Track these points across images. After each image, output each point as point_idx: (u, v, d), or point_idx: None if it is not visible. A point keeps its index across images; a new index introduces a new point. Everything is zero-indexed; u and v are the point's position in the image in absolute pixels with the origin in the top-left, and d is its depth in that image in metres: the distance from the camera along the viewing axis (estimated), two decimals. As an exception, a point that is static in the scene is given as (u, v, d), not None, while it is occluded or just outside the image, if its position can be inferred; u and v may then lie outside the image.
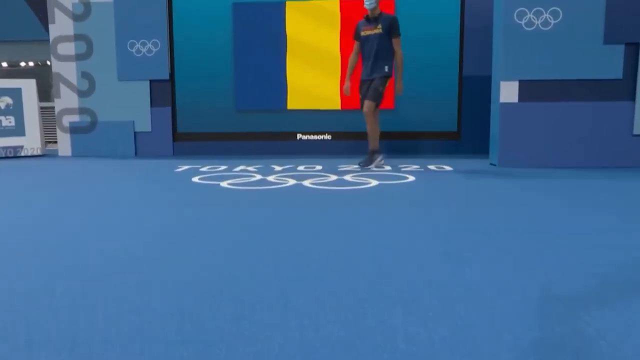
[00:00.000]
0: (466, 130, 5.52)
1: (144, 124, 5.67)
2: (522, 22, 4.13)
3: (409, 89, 5.58)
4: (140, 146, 5.71)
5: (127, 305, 1.12)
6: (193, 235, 1.88)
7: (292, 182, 3.44)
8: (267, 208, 2.43)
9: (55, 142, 6.31)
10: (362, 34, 4.16)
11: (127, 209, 2.48)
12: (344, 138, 5.61)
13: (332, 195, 2.83)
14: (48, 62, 6.21)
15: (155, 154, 5.70)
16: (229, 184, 3.39)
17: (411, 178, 3.61)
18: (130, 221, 2.17)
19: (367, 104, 4.12)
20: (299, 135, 5.63)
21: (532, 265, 1.41)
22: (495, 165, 4.36)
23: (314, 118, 5.55)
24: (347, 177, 3.66)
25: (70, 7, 5.60)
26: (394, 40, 4.09)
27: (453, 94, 5.49)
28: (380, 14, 4.11)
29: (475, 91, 5.43)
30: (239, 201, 2.65)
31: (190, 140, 5.74)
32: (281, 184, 3.37)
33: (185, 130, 5.75)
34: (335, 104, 5.53)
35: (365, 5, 4.07)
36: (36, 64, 9.51)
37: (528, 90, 4.19)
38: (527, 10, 4.12)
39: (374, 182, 3.39)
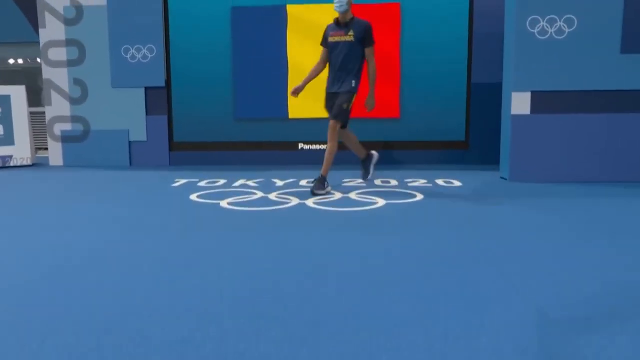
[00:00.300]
0: (475, 140, 5.46)
1: (139, 133, 5.61)
2: (535, 31, 4.07)
3: (415, 96, 5.60)
4: (135, 156, 5.65)
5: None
6: (192, 269, 1.82)
7: (294, 201, 3.40)
8: (270, 235, 2.37)
9: (46, 148, 6.26)
10: (330, 39, 3.76)
11: (120, 235, 2.42)
12: (347, 148, 5.53)
13: (338, 219, 2.78)
14: (38, 60, 6.11)
15: (151, 164, 5.65)
16: (229, 203, 3.34)
17: (419, 196, 3.56)
18: (124, 251, 2.11)
19: (331, 124, 3.74)
20: (300, 145, 5.57)
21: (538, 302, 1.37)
22: (505, 179, 4.31)
23: (316, 127, 5.48)
24: (353, 195, 3.61)
25: (61, 11, 5.53)
26: (367, 51, 3.70)
27: (461, 102, 5.43)
28: (353, 19, 3.71)
29: (484, 99, 5.38)
30: (240, 226, 2.59)
31: (187, 150, 5.69)
32: (283, 203, 3.33)
33: (182, 139, 5.69)
34: (338, 112, 5.47)
35: (335, 9, 3.67)
36: (25, 62, 9.45)
37: (541, 101, 4.14)
38: (540, 19, 4.06)
39: (380, 202, 3.34)
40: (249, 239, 2.33)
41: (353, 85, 3.73)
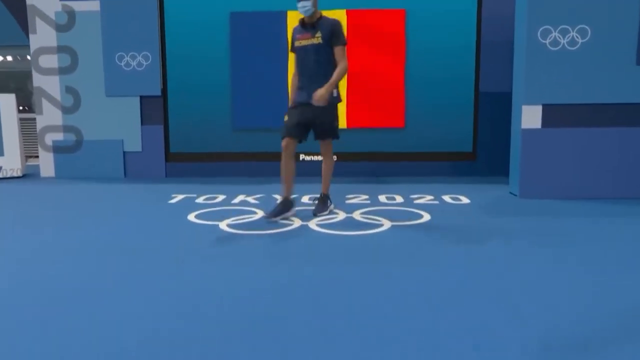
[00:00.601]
0: (482, 151, 5.44)
1: (133, 144, 5.58)
2: (547, 42, 4.04)
3: (421, 105, 5.57)
4: (130, 167, 5.63)
5: None
6: (189, 306, 1.79)
7: (296, 222, 3.38)
8: (271, 269, 2.33)
9: (37, 156, 6.23)
10: (297, 44, 3.45)
11: (113, 266, 2.38)
12: (350, 159, 5.54)
13: (342, 246, 2.75)
14: (28, 57, 6.04)
15: (146, 175, 5.63)
16: (228, 225, 3.32)
17: (426, 216, 3.54)
18: (117, 285, 2.07)
19: (326, 146, 3.62)
20: (302, 156, 5.55)
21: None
22: (515, 195, 4.29)
23: (318, 137, 5.46)
24: (357, 215, 3.59)
25: (52, 16, 5.50)
26: (337, 50, 3.37)
27: (468, 112, 5.42)
28: (320, 18, 3.41)
29: (492, 108, 5.36)
30: (239, 256, 2.56)
31: (183, 161, 5.66)
32: (285, 225, 3.30)
33: (179, 150, 5.67)
34: (340, 122, 5.42)
35: (299, 10, 3.38)
36: (15, 59, 9.40)
37: (552, 115, 4.12)
38: (551, 29, 4.03)
39: (386, 224, 3.32)
40: (249, 273, 2.30)
41: (335, 94, 3.46)
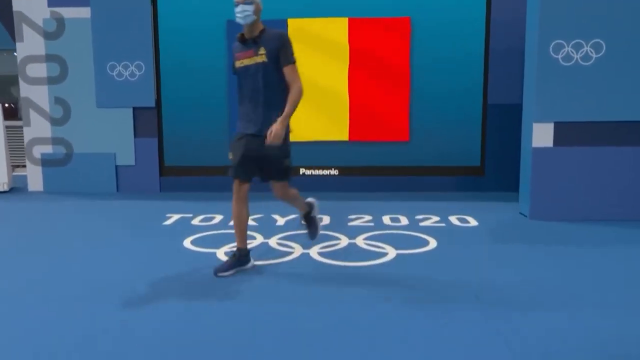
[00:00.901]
0: (491, 166, 5.43)
1: (126, 157, 5.57)
2: (559, 57, 4.03)
3: (426, 117, 5.54)
4: (123, 181, 5.61)
5: None
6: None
7: (297, 250, 3.38)
8: (272, 311, 2.31)
9: (24, 165, 6.20)
10: (238, 64, 2.94)
11: (101, 306, 2.36)
12: (352, 173, 5.53)
13: (345, 280, 2.76)
14: (15, 54, 5.96)
15: (140, 190, 5.61)
16: (226, 253, 3.31)
17: (432, 243, 3.54)
18: (109, 333, 2.04)
19: (281, 189, 3.08)
20: (302, 170, 5.53)
21: None
22: (525, 216, 4.28)
23: (318, 151, 5.47)
24: (360, 241, 3.58)
25: (40, 24, 5.47)
26: (287, 70, 2.86)
27: (476, 124, 5.40)
28: (263, 31, 2.88)
29: (501, 121, 5.35)
30: (238, 294, 2.55)
31: (179, 175, 5.65)
32: (285, 254, 3.30)
33: (174, 164, 5.65)
34: (342, 134, 5.45)
35: (238, 20, 2.86)
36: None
37: (565, 133, 4.11)
38: (564, 43, 4.02)
39: (390, 252, 3.32)
40: (249, 315, 2.29)
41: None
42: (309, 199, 3.42)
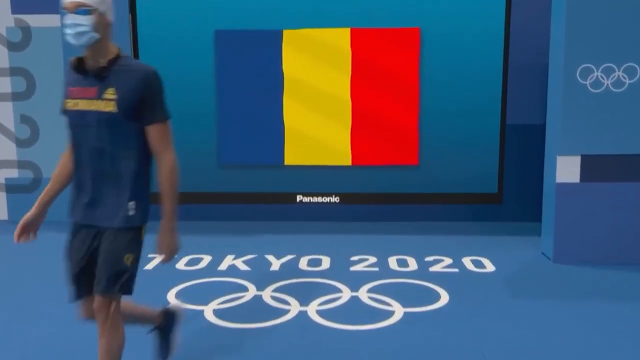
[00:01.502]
0: (509, 193, 5.42)
1: (101, 182, 5.52)
2: (587, 82, 4.01)
3: (438, 139, 5.50)
4: (98, 209, 5.57)
5: None
6: None
7: (294, 308, 3.37)
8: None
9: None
10: (69, 104, 2.09)
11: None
12: (355, 201, 5.51)
13: (347, 348, 2.74)
14: None
15: (117, 218, 5.58)
16: (214, 312, 3.32)
17: (443, 296, 3.55)
18: None
19: (103, 303, 2.08)
20: (299, 197, 5.51)
21: None
22: (549, 258, 4.27)
23: (317, 176, 5.44)
24: (363, 295, 3.58)
25: (3, 33, 5.42)
26: (153, 130, 2.06)
27: (493, 147, 5.38)
28: (117, 60, 2.08)
29: (521, 143, 5.33)
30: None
31: (160, 203, 5.60)
32: (280, 313, 3.30)
33: (156, 189, 5.56)
34: (344, 158, 5.43)
35: (70, 39, 2.01)
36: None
37: (593, 167, 4.10)
38: (593, 68, 3.99)
39: (397, 311, 3.32)
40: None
41: (131, 212, 2.11)
42: (173, 305, 2.74)
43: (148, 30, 5.45)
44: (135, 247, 2.16)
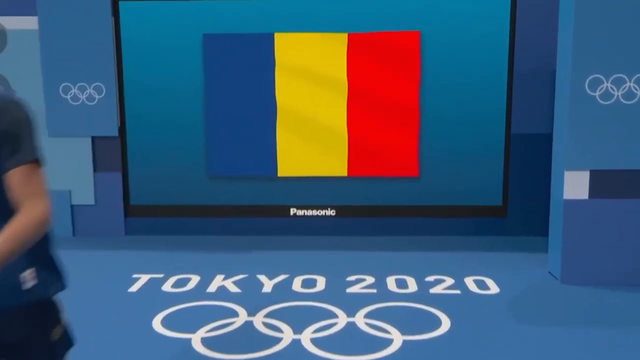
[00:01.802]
0: (514, 205, 5.42)
1: (84, 195, 5.51)
2: (597, 94, 3.99)
3: (439, 149, 5.53)
4: (80, 224, 5.57)
5: None
6: None
7: (287, 334, 3.35)
8: None
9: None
10: None
11: None
12: (351, 214, 5.52)
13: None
14: None
15: (101, 234, 5.57)
16: (202, 340, 3.29)
17: (444, 322, 3.52)
18: None
19: None
20: (292, 210, 5.52)
21: None
22: (556, 278, 4.26)
23: (312, 188, 5.45)
24: (360, 320, 3.55)
25: (-22, 35, 5.39)
26: (16, 174, 1.59)
27: (497, 157, 5.38)
28: None
29: (527, 153, 5.33)
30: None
31: (147, 216, 5.62)
32: (272, 341, 3.27)
33: (141, 202, 5.61)
34: (340, 169, 5.43)
35: None
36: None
37: (602, 183, 4.09)
38: (603, 78, 3.97)
39: (396, 338, 3.29)
40: None
41: (26, 285, 1.64)
42: None
43: (132, 34, 5.46)
44: (49, 337, 1.70)
